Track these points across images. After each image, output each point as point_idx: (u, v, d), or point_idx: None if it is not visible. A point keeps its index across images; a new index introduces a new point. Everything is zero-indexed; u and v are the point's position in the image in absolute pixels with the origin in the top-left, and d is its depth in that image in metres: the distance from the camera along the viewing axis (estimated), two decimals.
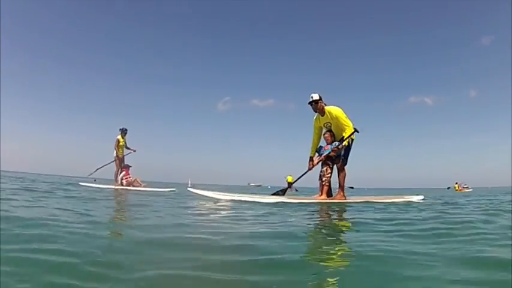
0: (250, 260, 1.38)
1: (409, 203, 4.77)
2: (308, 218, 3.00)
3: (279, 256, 1.43)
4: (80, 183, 8.99)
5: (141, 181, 9.46)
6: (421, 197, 5.45)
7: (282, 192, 5.19)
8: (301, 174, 5.12)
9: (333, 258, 1.52)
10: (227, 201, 4.55)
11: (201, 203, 4.28)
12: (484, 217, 2.91)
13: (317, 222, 2.88)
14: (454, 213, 3.28)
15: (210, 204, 4.04)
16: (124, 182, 9.21)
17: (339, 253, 1.64)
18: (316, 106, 4.95)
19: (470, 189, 26.37)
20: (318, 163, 5.02)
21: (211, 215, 3.09)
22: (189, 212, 3.37)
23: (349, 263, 1.40)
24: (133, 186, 9.04)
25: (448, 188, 33.05)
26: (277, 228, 2.28)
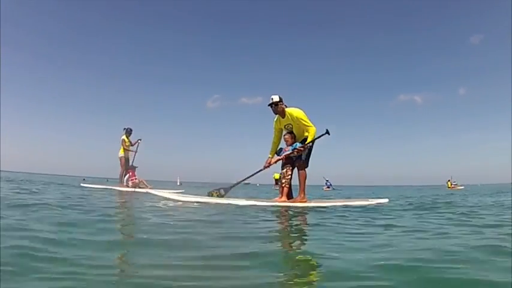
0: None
1: (368, 206, 4.64)
2: (264, 222, 2.89)
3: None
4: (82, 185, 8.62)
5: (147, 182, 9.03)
6: (386, 200, 5.39)
7: (226, 190, 4.95)
8: (254, 172, 4.94)
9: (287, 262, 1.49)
10: (183, 203, 4.43)
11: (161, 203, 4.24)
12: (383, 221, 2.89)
13: (274, 226, 2.80)
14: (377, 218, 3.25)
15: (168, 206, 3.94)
16: (130, 183, 8.80)
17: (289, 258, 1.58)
18: (276, 108, 4.83)
19: (462, 187, 26.82)
20: (275, 162, 4.86)
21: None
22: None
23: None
24: (139, 188, 8.58)
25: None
26: (230, 234, 2.18)
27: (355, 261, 1.41)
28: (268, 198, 5.43)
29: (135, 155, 9.14)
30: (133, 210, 3.91)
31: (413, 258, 1.46)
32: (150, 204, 4.27)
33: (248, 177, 5.02)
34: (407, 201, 5.87)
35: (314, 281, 1.22)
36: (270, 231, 2.41)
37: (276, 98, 4.82)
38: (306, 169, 4.79)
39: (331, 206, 4.54)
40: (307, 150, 4.78)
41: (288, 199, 4.75)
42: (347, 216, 3.31)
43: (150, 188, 8.47)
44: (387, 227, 2.56)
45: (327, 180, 25.81)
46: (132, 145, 9.23)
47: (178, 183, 22.50)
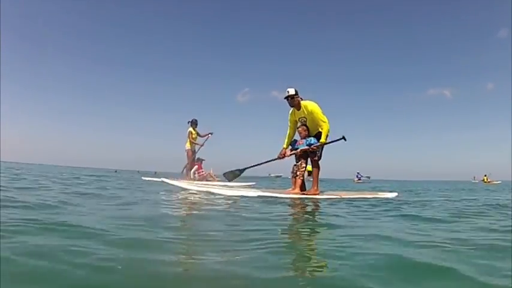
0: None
1: (380, 199, 4.68)
2: (280, 213, 3.02)
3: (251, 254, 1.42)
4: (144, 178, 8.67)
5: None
6: (395, 194, 5.40)
7: (238, 172, 5.30)
8: (267, 160, 5.15)
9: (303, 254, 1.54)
10: (197, 192, 4.70)
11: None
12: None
13: (290, 216, 2.91)
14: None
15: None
16: (197, 176, 8.85)
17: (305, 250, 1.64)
18: (293, 101, 4.95)
19: (499, 182, 26.41)
20: (290, 155, 5.01)
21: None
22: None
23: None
24: (207, 180, 8.62)
25: (474, 178, 33.78)
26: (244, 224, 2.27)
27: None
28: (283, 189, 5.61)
29: (200, 147, 9.02)
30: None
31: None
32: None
33: (259, 164, 5.24)
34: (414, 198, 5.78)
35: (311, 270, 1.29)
36: (280, 221, 2.49)
37: (292, 91, 4.93)
38: (319, 163, 4.92)
39: (340, 198, 4.65)
40: (321, 148, 4.91)
41: (301, 191, 4.90)
42: (348, 208, 3.47)
43: (217, 181, 8.45)
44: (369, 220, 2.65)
45: (358, 173, 26.25)
46: (201, 137, 9.12)
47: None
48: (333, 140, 4.89)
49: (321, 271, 1.29)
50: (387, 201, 4.50)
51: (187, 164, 8.96)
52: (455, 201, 5.07)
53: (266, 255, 1.39)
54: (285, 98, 4.99)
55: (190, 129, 8.96)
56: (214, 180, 8.73)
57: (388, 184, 13.69)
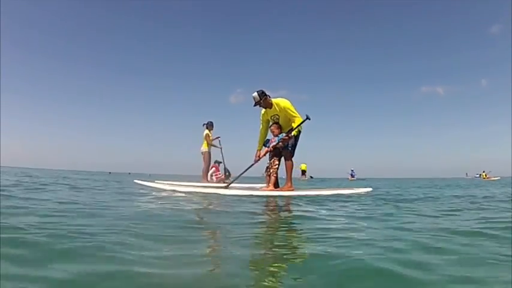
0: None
1: (352, 195, 4.74)
2: (254, 210, 3.04)
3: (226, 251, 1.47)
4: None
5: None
6: (370, 189, 5.43)
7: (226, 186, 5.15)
8: (246, 168, 5.11)
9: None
10: (168, 191, 4.71)
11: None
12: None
13: (263, 214, 2.93)
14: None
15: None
16: (214, 179, 8.78)
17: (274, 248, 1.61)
18: (265, 103, 4.90)
19: (498, 177, 27.19)
20: (264, 155, 5.03)
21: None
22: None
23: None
24: (225, 182, 8.28)
25: (467, 174, 34.87)
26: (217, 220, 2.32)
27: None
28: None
29: (221, 150, 8.95)
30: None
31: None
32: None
33: (242, 173, 5.20)
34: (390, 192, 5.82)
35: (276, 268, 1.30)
36: (252, 219, 2.49)
37: (256, 96, 4.84)
38: (292, 159, 4.94)
39: (314, 195, 4.67)
40: (293, 140, 4.91)
41: (275, 188, 4.92)
42: (321, 204, 3.51)
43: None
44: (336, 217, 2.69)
45: (352, 170, 26.44)
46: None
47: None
48: (297, 124, 4.82)
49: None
50: (358, 196, 4.61)
51: (204, 166, 8.82)
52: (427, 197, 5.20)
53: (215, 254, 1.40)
54: (255, 104, 4.91)
55: (207, 131, 8.80)
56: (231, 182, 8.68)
57: (380, 182, 13.69)
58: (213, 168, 8.95)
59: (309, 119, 4.79)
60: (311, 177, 20.13)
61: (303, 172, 19.50)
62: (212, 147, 8.83)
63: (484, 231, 1.93)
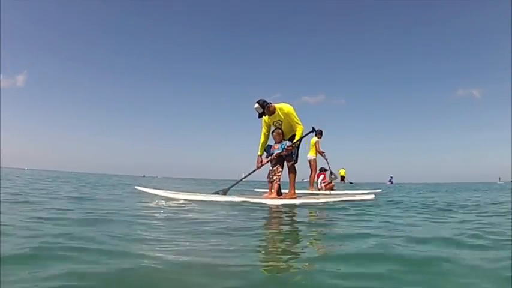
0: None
1: (355, 202, 4.71)
2: (257, 218, 3.04)
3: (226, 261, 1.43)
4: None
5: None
6: (372, 196, 5.39)
7: (222, 192, 4.99)
8: (247, 174, 5.07)
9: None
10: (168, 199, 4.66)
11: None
12: None
13: (266, 221, 2.91)
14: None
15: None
16: (323, 186, 8.79)
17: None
18: (269, 111, 4.83)
19: None
20: (267, 162, 4.97)
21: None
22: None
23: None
24: (331, 190, 8.54)
25: (500, 179, 35.06)
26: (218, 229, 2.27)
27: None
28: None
29: (326, 157, 8.86)
30: None
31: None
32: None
33: (244, 177, 5.16)
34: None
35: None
36: (255, 227, 2.48)
37: (259, 107, 4.77)
38: (295, 166, 4.89)
39: (316, 203, 4.62)
40: (296, 149, 4.87)
41: (278, 195, 4.87)
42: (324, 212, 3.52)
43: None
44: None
45: (391, 177, 27.68)
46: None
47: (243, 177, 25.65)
48: (303, 135, 4.81)
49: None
50: (361, 203, 4.61)
51: (312, 174, 8.78)
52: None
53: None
54: (260, 116, 4.85)
55: (316, 139, 8.76)
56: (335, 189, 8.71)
57: (416, 188, 13.51)
58: (321, 176, 8.91)
59: (315, 131, 4.80)
60: (350, 182, 19.73)
61: (342, 178, 19.16)
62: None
63: None
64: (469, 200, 5.86)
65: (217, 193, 5.03)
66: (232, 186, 5.17)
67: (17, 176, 12.19)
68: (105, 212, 2.94)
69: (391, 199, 5.64)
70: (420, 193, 8.58)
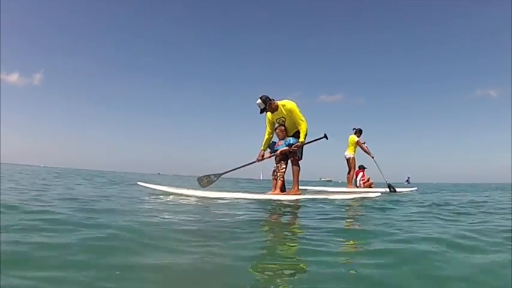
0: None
1: (361, 200, 4.62)
2: (259, 215, 3.03)
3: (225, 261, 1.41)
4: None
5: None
6: (378, 194, 5.31)
7: (214, 177, 4.96)
8: (244, 164, 5.04)
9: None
10: (177, 195, 4.69)
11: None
12: None
13: (268, 218, 2.90)
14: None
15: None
16: (362, 184, 8.86)
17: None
18: (271, 107, 4.80)
19: None
20: (269, 158, 4.96)
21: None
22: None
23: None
24: (370, 187, 8.63)
25: None
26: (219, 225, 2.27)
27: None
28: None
29: (371, 154, 8.83)
30: None
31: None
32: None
33: (238, 168, 5.07)
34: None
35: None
36: (258, 224, 2.46)
37: (261, 103, 4.74)
38: (299, 162, 4.85)
39: (322, 199, 4.56)
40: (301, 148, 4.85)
41: (282, 192, 4.84)
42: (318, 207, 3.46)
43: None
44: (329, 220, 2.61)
45: (408, 177, 27.89)
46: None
47: (261, 178, 27.40)
48: (313, 139, 4.84)
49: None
50: (366, 200, 4.51)
51: (351, 171, 8.76)
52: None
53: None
54: (262, 111, 4.80)
55: (355, 137, 8.77)
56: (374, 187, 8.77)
57: (425, 187, 13.15)
58: (361, 173, 8.95)
59: (327, 139, 4.86)
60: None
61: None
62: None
63: None
64: None
65: (207, 178, 5.00)
66: (223, 174, 5.09)
67: (48, 174, 12.50)
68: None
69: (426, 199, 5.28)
70: (453, 193, 8.03)
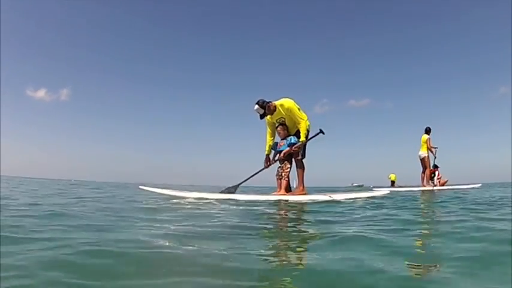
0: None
1: (368, 199, 4.55)
2: (266, 215, 3.04)
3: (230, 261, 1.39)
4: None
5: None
6: (385, 192, 5.25)
7: (233, 189, 5.01)
8: (255, 172, 5.02)
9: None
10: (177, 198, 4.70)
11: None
12: None
13: (271, 218, 2.90)
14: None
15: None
16: (437, 183, 9.04)
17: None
18: (269, 110, 4.77)
19: None
20: (276, 161, 4.93)
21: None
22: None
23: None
24: (445, 185, 8.87)
25: None
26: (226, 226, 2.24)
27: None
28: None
29: (435, 153, 8.97)
30: None
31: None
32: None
33: (251, 177, 5.06)
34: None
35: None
36: (261, 225, 2.45)
37: (259, 108, 4.71)
38: (303, 161, 4.81)
39: (328, 199, 4.52)
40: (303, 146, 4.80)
41: (287, 192, 4.82)
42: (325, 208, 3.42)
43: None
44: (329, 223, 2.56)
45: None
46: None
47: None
48: (310, 136, 4.74)
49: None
50: (371, 200, 4.49)
51: (426, 170, 8.81)
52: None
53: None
54: (262, 116, 4.79)
55: (427, 136, 8.81)
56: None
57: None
58: (436, 172, 9.06)
59: (323, 134, 4.72)
60: (400, 187, 19.03)
61: (393, 183, 18.40)
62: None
63: None
64: None
65: (227, 189, 5.06)
66: (240, 184, 5.11)
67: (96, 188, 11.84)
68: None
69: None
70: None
